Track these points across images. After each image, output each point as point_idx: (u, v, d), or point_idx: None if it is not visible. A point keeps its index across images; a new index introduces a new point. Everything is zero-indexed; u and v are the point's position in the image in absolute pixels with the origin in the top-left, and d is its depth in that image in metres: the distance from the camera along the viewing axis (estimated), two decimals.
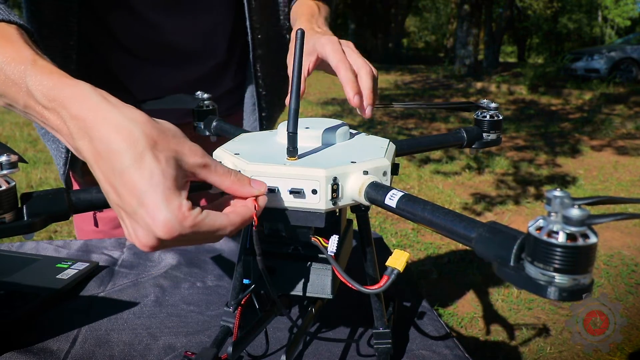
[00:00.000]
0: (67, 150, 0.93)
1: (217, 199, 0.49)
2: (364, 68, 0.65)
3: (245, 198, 0.47)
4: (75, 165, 0.97)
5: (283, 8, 1.00)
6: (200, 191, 0.48)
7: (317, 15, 0.86)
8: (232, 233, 0.45)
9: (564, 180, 4.36)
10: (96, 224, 1.07)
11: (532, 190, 4.08)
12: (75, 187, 1.02)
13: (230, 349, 0.56)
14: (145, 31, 0.90)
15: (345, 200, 0.50)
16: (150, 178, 0.40)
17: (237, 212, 0.46)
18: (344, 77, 0.63)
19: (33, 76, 0.46)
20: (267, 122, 1.08)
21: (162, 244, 0.42)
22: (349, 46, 0.68)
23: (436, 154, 5.02)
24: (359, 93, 0.63)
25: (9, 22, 0.54)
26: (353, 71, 0.64)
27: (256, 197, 0.47)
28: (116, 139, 0.40)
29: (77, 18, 0.83)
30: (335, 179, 0.49)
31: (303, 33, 0.50)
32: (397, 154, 0.62)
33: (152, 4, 0.87)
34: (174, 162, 0.42)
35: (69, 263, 0.88)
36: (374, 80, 0.66)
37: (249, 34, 0.95)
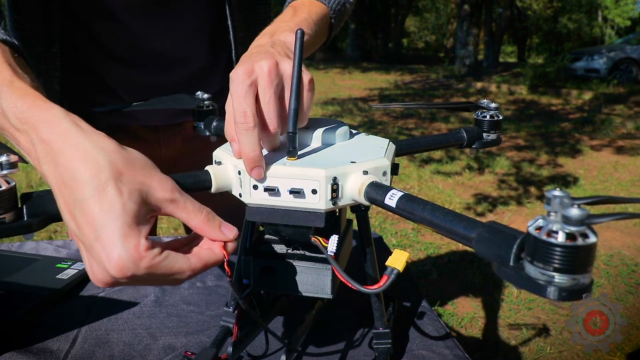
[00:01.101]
0: None
1: (222, 203, 0.47)
2: None
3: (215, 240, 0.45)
4: None
5: (264, 7, 0.98)
6: (196, 192, 0.48)
7: (289, 17, 0.69)
8: (190, 277, 0.43)
9: (564, 180, 4.36)
10: None
11: (532, 190, 4.08)
12: None
13: (230, 349, 0.57)
14: (126, 35, 0.89)
15: (345, 200, 0.50)
16: (110, 211, 0.38)
17: (200, 255, 0.43)
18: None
19: (8, 98, 0.45)
20: None
21: (116, 282, 0.40)
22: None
23: (436, 154, 5.01)
24: None
25: None
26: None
27: (225, 243, 0.45)
28: (81, 168, 0.39)
29: (59, 25, 0.82)
30: (335, 179, 0.49)
31: (302, 33, 0.50)
32: (397, 154, 0.62)
33: (128, 7, 0.86)
34: (137, 196, 0.40)
35: (69, 263, 0.88)
36: None
37: (231, 32, 0.93)
